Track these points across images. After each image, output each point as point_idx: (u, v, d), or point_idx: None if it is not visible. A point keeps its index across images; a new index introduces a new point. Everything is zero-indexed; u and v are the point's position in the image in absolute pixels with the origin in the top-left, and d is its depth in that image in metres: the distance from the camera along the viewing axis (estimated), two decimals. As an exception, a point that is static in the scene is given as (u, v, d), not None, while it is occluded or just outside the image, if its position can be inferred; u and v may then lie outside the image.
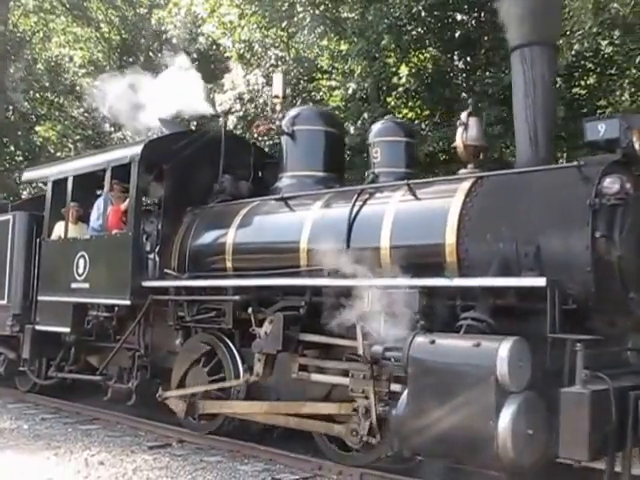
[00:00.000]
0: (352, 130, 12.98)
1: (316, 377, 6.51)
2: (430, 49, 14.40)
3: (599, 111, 12.46)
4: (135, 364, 8.66)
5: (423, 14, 13.05)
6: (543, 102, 5.89)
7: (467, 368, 4.78)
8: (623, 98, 12.74)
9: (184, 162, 8.74)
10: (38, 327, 9.87)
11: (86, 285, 9.02)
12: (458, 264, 5.78)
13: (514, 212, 5.63)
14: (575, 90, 13.62)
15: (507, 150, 12.68)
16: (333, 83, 16.22)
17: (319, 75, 16.48)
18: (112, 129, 19.22)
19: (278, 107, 7.91)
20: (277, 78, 7.87)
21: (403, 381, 5.39)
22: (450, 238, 5.82)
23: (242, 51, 15.87)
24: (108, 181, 8.94)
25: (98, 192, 9.71)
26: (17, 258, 10.58)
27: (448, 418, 4.77)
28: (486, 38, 13.35)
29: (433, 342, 5.02)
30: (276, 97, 7.91)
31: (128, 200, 8.74)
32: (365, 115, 13.23)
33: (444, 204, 6.02)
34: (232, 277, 7.86)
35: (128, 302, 8.32)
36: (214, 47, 18.28)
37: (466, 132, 6.39)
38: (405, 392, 5.16)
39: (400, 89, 14.18)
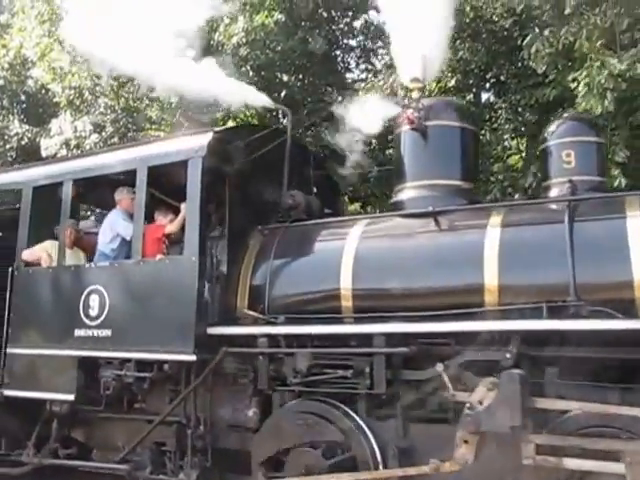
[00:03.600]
0: None
1: (572, 463, 4.52)
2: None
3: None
4: (189, 445, 6.12)
5: (251, 74, 13.57)
6: None
7: None
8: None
9: (251, 166, 6.51)
10: (8, 392, 6.94)
11: (105, 332, 6.36)
12: None
13: None
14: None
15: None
16: (162, 134, 15.88)
17: (148, 125, 16.46)
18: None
19: (415, 94, 5.96)
20: (414, 57, 5.93)
21: None
22: None
23: (72, 97, 15.68)
24: (142, 187, 6.38)
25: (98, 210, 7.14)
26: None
27: None
28: (309, 99, 14.01)
29: None
30: (415, 80, 5.95)
31: (182, 213, 6.30)
32: None
33: None
34: (351, 320, 5.75)
35: (193, 357, 5.85)
36: (43, 91, 17.75)
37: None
38: None
39: (228, 144, 14.54)
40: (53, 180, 7.05)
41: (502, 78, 10.95)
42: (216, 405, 6.21)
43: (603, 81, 7.63)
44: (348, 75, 16.81)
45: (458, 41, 10.72)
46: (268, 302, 6.10)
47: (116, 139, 14.92)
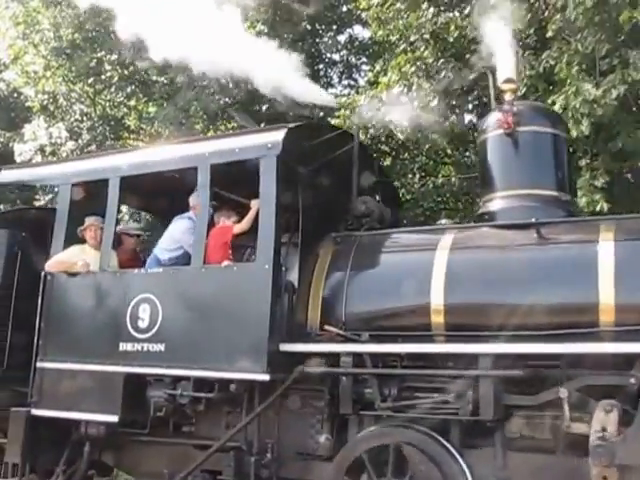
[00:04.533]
0: None
1: None
2: (237, 119, 14.45)
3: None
4: (251, 474, 5.47)
5: (231, 85, 13.42)
6: None
7: None
8: (414, 181, 13.56)
9: (324, 168, 5.97)
10: (37, 412, 6.20)
11: (157, 347, 5.70)
12: None
13: None
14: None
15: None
16: (140, 144, 15.78)
17: (126, 134, 16.26)
18: None
19: (509, 96, 5.48)
20: (506, 56, 5.47)
21: None
22: None
23: (45, 102, 15.46)
24: (205, 186, 5.76)
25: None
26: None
27: None
28: (291, 114, 13.52)
29: None
30: (509, 81, 5.49)
31: (252, 211, 5.71)
32: None
33: None
34: (442, 339, 5.22)
35: (265, 377, 5.22)
36: (15, 95, 17.65)
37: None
38: None
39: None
40: (97, 176, 6.39)
41: (485, 100, 10.83)
42: (282, 430, 5.58)
43: (578, 106, 7.67)
44: (331, 90, 16.53)
45: (442, 60, 10.64)
46: (345, 317, 5.53)
47: (93, 147, 14.51)
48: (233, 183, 5.91)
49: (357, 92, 14.04)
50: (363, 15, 13.48)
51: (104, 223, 6.44)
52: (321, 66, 16.70)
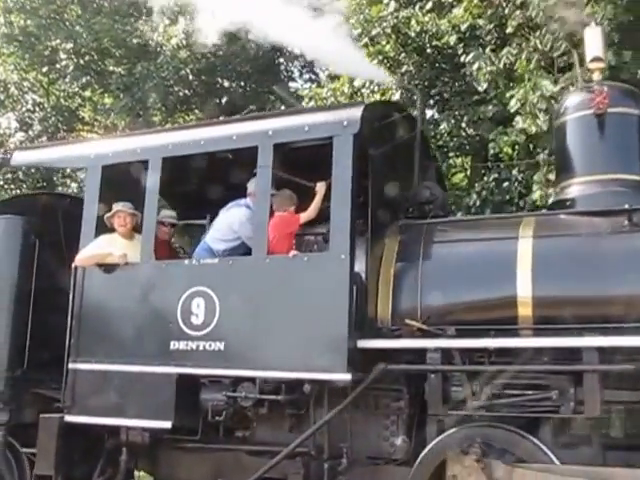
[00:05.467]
0: None
1: None
2: (196, 111, 14.74)
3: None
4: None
5: (190, 77, 13.55)
6: None
7: None
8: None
9: (392, 150, 5.57)
10: (71, 418, 5.61)
11: (216, 345, 5.19)
12: None
13: None
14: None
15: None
16: (95, 136, 15.50)
17: (80, 126, 15.97)
18: None
19: (597, 75, 5.17)
20: (593, 34, 5.16)
21: None
22: None
23: None
24: (267, 168, 5.25)
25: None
26: (1, 294, 6.16)
27: None
28: (252, 107, 13.63)
29: None
30: (596, 60, 5.17)
31: (318, 196, 5.26)
32: None
33: None
34: (528, 332, 4.89)
35: (347, 376, 4.79)
36: None
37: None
38: None
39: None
40: (133, 157, 5.80)
41: (446, 95, 10.87)
42: (354, 433, 5.17)
43: (535, 101, 7.94)
44: (291, 84, 16.67)
45: (403, 54, 10.70)
46: (421, 311, 5.15)
47: (44, 139, 14.13)
48: (291, 164, 5.42)
49: (319, 85, 13.92)
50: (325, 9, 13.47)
51: (134, 209, 5.92)
52: (282, 60, 16.67)
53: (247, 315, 5.15)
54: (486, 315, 5.00)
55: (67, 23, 14.58)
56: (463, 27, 9.73)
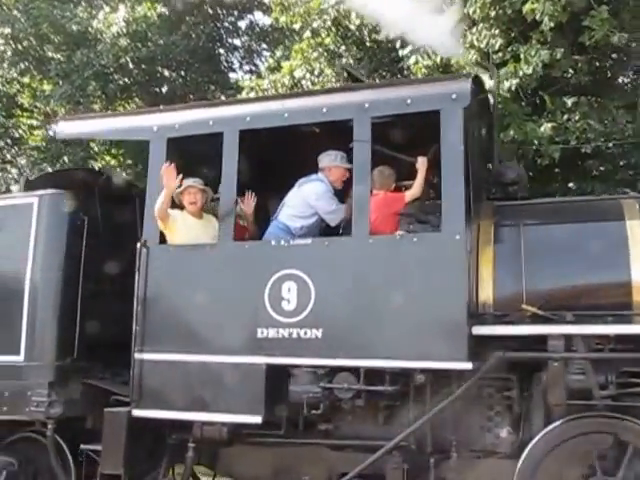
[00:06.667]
0: None
1: None
2: (136, 100, 14.73)
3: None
4: (431, 476, 4.74)
5: (131, 65, 13.55)
6: None
7: None
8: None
9: (476, 127, 5.29)
10: (140, 412, 5.11)
11: (312, 332, 4.80)
12: None
13: None
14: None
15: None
16: (34, 122, 15.92)
17: (19, 112, 15.83)
18: None
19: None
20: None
21: None
22: None
23: None
24: (365, 142, 4.85)
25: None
26: (48, 277, 5.57)
27: None
28: (192, 96, 13.99)
29: None
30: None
31: (420, 173, 4.94)
32: (65, 158, 13.58)
33: None
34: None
35: (468, 365, 4.50)
36: None
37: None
38: None
39: (104, 136, 14.75)
40: (205, 129, 5.30)
41: None
42: (457, 424, 4.90)
43: None
44: (232, 75, 16.80)
45: (343, 47, 10.87)
46: (525, 295, 4.89)
47: None
48: (383, 138, 5.07)
49: (259, 77, 13.88)
50: (265, 0, 13.83)
51: (204, 185, 5.47)
52: (222, 51, 16.69)
53: (347, 300, 4.78)
54: (599, 300, 4.80)
55: (4, 7, 14.16)
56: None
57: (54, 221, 5.63)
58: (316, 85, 10.33)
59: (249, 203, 5.44)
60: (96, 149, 15.20)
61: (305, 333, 4.82)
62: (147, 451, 5.31)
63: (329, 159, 5.31)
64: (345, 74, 8.24)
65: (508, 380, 4.82)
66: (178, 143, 5.37)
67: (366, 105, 4.94)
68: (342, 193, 5.40)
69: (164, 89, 14.96)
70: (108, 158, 15.63)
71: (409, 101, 4.87)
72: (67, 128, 5.87)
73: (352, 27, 10.60)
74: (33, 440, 5.75)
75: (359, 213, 4.84)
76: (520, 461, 4.65)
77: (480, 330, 4.65)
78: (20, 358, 5.50)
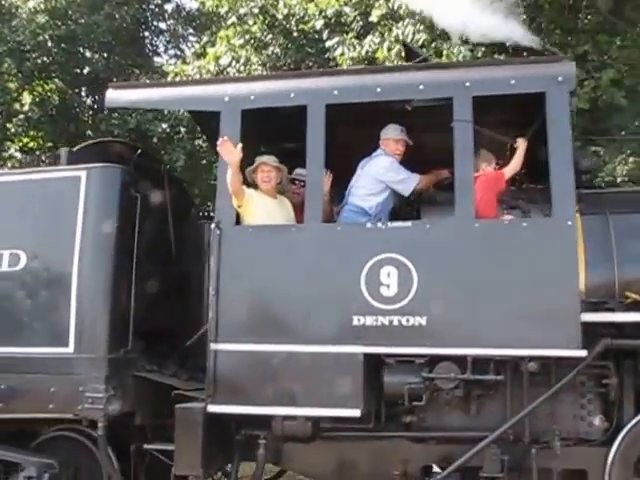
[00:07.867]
0: None
1: None
2: (56, 80, 14.45)
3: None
4: (534, 469, 4.61)
5: (49, 44, 13.32)
6: None
7: None
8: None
9: None
10: (218, 408, 4.68)
11: (415, 320, 4.55)
12: None
13: None
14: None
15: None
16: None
17: None
18: None
19: None
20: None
21: None
22: None
23: None
24: (467, 121, 4.65)
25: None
26: (100, 259, 5.00)
27: None
28: (115, 80, 13.56)
29: None
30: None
31: (520, 151, 4.81)
32: None
33: None
34: None
35: (583, 352, 4.40)
36: None
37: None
38: None
39: (22, 116, 14.19)
40: (284, 102, 4.91)
41: None
42: (554, 413, 4.80)
43: None
44: (156, 59, 16.57)
45: (270, 35, 11.01)
46: (617, 283, 4.87)
47: None
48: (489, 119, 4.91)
49: (184, 62, 13.77)
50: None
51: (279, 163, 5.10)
52: (147, 34, 16.36)
53: (453, 286, 4.57)
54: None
55: None
56: (329, 12, 10.14)
57: (105, 197, 5.05)
58: (242, 73, 9.91)
59: (326, 182, 5.10)
60: (13, 130, 14.47)
61: (407, 320, 4.57)
62: (220, 449, 4.88)
63: (387, 131, 5.12)
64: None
65: (604, 368, 4.78)
66: (252, 116, 4.96)
67: (467, 84, 4.74)
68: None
69: (85, 70, 14.56)
70: (26, 140, 14.81)
71: (513, 81, 4.72)
72: (116, 96, 5.25)
73: (279, 16, 10.67)
74: (69, 438, 5.19)
75: (463, 195, 4.63)
76: (613, 448, 4.65)
77: (591, 317, 4.57)
78: (69, 350, 4.90)
